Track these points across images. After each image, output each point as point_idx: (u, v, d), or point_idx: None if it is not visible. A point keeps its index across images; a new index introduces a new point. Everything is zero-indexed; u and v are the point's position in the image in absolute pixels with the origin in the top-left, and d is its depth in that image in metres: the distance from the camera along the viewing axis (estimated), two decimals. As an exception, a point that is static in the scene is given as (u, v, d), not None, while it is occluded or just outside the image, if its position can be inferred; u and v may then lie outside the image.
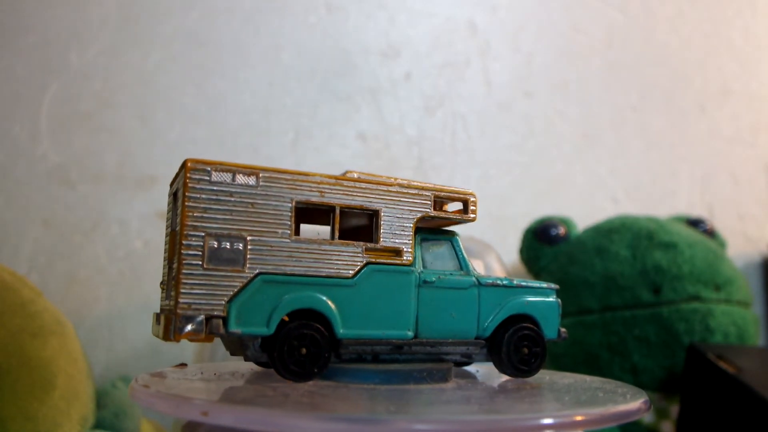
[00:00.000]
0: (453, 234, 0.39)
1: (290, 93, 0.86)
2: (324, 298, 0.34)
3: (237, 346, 0.36)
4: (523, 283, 0.39)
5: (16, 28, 0.81)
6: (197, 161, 0.32)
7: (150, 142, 0.82)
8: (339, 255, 0.34)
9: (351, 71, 0.88)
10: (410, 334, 0.36)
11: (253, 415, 0.26)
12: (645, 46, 0.96)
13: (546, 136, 0.91)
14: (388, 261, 0.35)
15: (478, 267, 0.42)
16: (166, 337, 0.32)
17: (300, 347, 0.33)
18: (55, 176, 0.79)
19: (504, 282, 0.39)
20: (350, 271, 0.35)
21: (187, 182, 0.32)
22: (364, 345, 0.35)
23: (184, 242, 0.32)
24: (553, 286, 0.40)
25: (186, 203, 0.32)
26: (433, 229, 0.38)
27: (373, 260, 0.35)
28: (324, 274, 0.34)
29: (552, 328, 0.39)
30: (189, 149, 0.82)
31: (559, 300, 0.40)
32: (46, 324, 0.53)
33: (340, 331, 0.34)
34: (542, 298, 0.39)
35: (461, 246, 0.39)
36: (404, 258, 0.36)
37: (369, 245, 0.35)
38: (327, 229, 0.35)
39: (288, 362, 0.33)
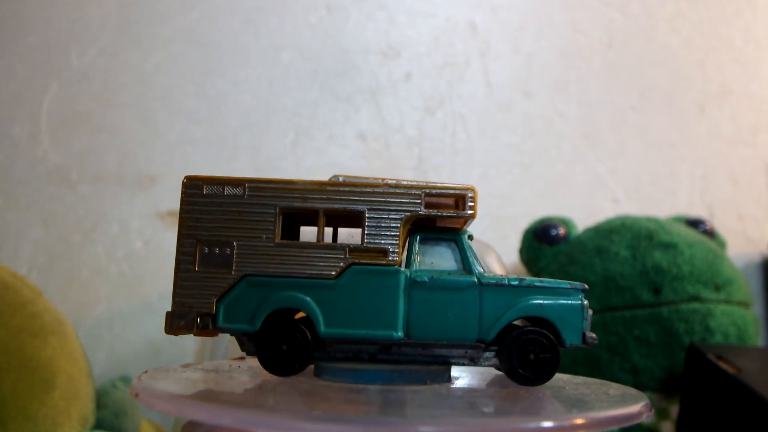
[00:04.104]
0: (457, 232, 0.38)
1: (290, 93, 0.86)
2: (306, 297, 0.35)
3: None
4: (537, 283, 0.37)
5: (16, 28, 0.81)
6: (192, 177, 0.37)
7: (150, 142, 0.82)
8: (322, 256, 0.36)
9: (351, 71, 0.88)
10: (398, 334, 0.35)
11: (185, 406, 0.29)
12: (645, 46, 0.96)
13: (546, 136, 0.91)
14: (373, 262, 0.36)
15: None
16: (165, 330, 0.36)
17: (281, 344, 0.35)
18: (55, 176, 0.79)
19: (511, 282, 0.36)
20: (333, 272, 0.36)
21: (183, 196, 0.36)
22: (350, 344, 0.36)
23: (179, 248, 0.36)
24: (578, 285, 0.37)
25: (182, 215, 0.36)
26: (436, 228, 0.38)
27: (357, 261, 0.36)
28: (307, 275, 0.36)
29: (574, 332, 0.36)
30: (189, 149, 0.82)
31: (586, 302, 0.37)
32: (46, 324, 0.53)
33: (322, 329, 0.35)
34: (562, 300, 0.36)
35: (467, 245, 0.37)
36: (390, 258, 0.36)
37: (353, 246, 0.36)
38: (357, 231, 0.37)
39: (269, 358, 0.35)
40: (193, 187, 0.36)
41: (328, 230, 0.38)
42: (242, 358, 0.43)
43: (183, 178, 0.37)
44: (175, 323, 0.35)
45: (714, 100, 0.96)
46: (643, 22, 0.96)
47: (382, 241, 0.36)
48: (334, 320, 0.35)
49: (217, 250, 0.36)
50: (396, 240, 0.36)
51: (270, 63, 0.86)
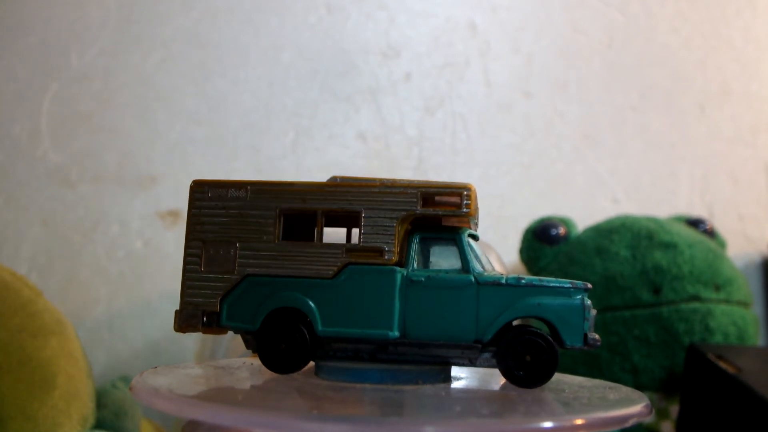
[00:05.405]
0: (456, 231, 0.37)
1: (290, 93, 0.86)
2: (304, 297, 0.36)
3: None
4: (536, 283, 0.35)
5: (16, 28, 0.81)
6: (199, 182, 0.38)
7: (150, 142, 0.82)
8: (320, 256, 0.36)
9: (351, 71, 0.88)
10: (395, 333, 0.35)
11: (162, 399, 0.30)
12: (645, 46, 0.96)
13: (546, 136, 0.91)
14: (369, 261, 0.36)
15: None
16: (174, 328, 0.37)
17: (280, 342, 0.36)
18: (55, 176, 0.79)
19: (509, 281, 0.35)
20: (330, 272, 0.36)
21: (190, 200, 0.38)
22: (348, 343, 0.36)
23: (186, 250, 0.37)
24: (579, 285, 0.36)
25: (189, 217, 0.38)
26: (436, 228, 0.38)
27: (354, 260, 0.36)
28: (305, 274, 0.36)
29: (574, 333, 0.35)
30: (189, 149, 0.82)
31: (588, 302, 0.35)
32: (46, 324, 0.53)
33: (320, 328, 0.36)
34: (561, 299, 0.35)
35: (467, 243, 0.37)
36: (386, 258, 0.36)
37: (350, 246, 0.36)
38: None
39: (269, 355, 0.36)
40: (199, 190, 0.38)
41: (330, 230, 0.38)
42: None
43: (190, 182, 0.38)
44: (184, 321, 0.37)
45: (714, 100, 0.96)
46: (643, 22, 0.96)
47: (379, 241, 0.36)
48: (331, 319, 0.36)
49: (221, 252, 0.37)
50: (392, 239, 0.36)
51: (270, 63, 0.86)
